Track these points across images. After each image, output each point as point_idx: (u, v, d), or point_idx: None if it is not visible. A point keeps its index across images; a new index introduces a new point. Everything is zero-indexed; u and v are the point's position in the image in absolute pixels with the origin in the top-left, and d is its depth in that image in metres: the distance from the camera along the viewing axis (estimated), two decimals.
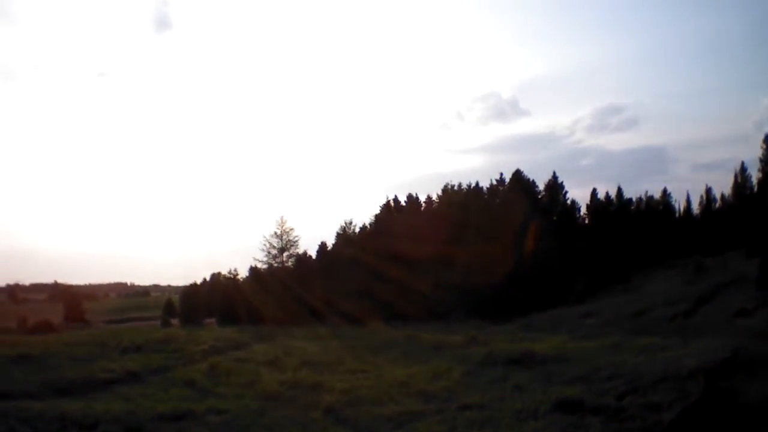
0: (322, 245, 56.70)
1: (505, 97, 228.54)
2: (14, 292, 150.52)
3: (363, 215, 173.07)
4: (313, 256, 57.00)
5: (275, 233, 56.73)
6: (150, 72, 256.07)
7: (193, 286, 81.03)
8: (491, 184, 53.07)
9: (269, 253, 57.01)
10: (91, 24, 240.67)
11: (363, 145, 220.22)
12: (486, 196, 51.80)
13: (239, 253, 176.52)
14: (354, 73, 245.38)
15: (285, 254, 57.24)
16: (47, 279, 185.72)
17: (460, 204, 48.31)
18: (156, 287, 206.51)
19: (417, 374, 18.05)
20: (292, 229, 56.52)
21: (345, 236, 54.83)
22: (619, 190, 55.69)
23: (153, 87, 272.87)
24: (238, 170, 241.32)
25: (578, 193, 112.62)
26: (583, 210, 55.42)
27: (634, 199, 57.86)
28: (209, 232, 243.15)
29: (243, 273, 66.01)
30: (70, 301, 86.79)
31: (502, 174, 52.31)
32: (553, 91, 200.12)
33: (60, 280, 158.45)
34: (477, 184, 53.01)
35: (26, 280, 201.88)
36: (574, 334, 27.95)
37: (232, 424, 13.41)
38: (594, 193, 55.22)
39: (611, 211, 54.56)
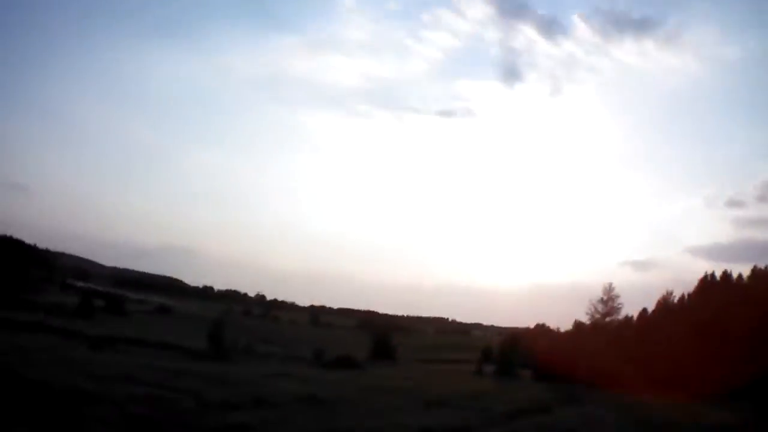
0: (642, 312, 68.96)
1: None
2: (316, 314, 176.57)
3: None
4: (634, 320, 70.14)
5: (601, 299, 69.39)
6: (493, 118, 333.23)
7: (514, 334, 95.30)
8: None
9: (593, 317, 70.09)
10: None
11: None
12: None
13: (563, 297, 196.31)
14: None
15: (607, 319, 69.78)
16: (359, 305, 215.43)
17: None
18: (478, 326, 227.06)
19: None
20: (617, 296, 69.24)
21: (665, 305, 65.58)
22: None
23: (495, 133, 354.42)
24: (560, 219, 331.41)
25: None
26: None
27: None
28: (537, 272, 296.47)
29: (562, 324, 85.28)
30: (379, 334, 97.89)
31: None
32: None
33: (373, 308, 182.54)
34: None
35: (334, 303, 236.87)
36: None
37: None
38: None
39: None
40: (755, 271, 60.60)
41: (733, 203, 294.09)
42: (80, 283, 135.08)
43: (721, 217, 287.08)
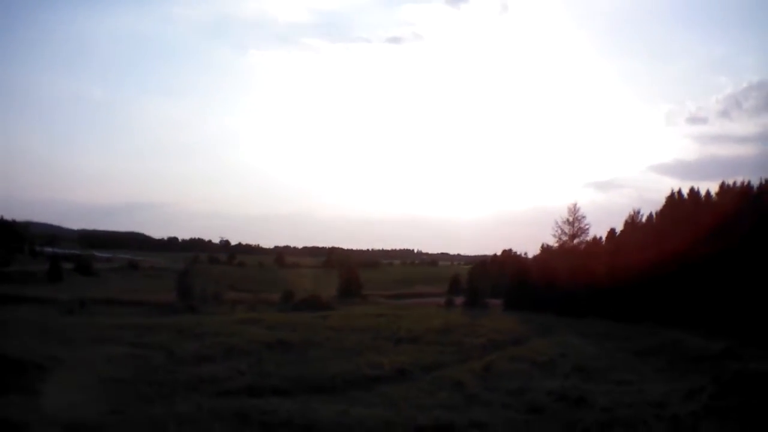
0: (611, 232, 66.45)
1: None
2: (282, 256, 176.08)
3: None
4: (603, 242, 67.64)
5: (567, 220, 68.62)
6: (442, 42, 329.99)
7: (482, 263, 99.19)
8: (760, 183, 55.45)
9: (560, 239, 69.40)
10: None
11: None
12: (755, 197, 54.04)
13: (528, 223, 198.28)
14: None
15: (575, 241, 69.03)
16: (324, 243, 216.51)
17: (736, 204, 53.41)
18: (444, 256, 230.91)
19: (673, 393, 21.65)
20: (583, 217, 68.90)
21: (633, 225, 63.65)
22: None
23: (445, 56, 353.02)
24: (519, 142, 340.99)
25: None
26: None
27: None
28: (499, 199, 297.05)
29: (529, 249, 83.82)
30: (346, 271, 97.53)
31: None
32: None
33: (338, 245, 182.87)
34: (749, 183, 56.83)
35: (298, 243, 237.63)
36: None
37: None
38: None
39: None
40: (723, 188, 59.25)
41: (695, 119, 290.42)
42: (49, 249, 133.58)
43: (684, 134, 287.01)
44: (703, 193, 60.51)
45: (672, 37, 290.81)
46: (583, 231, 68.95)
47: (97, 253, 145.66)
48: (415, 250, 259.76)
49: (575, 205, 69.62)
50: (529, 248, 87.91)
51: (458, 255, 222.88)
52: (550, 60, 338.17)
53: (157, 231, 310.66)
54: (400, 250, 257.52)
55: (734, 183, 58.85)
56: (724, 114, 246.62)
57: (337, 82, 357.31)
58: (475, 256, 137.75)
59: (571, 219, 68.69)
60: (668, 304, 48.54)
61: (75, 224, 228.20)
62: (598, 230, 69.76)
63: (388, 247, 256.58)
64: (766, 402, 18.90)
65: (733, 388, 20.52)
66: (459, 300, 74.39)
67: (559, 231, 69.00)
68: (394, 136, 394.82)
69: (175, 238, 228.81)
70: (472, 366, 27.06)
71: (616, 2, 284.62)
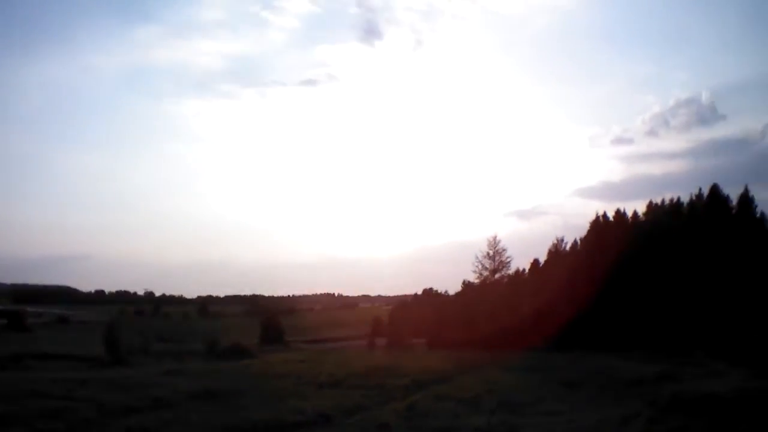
0: (534, 263, 66.46)
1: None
2: (204, 306, 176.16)
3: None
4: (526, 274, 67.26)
5: (488, 254, 67.28)
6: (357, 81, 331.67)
7: (403, 303, 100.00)
8: (690, 199, 57.31)
9: (481, 274, 68.23)
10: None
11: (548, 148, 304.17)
12: (686, 214, 55.87)
13: (448, 258, 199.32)
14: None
15: (497, 275, 67.70)
16: (245, 290, 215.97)
17: (665, 224, 54.86)
18: (365, 298, 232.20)
19: (606, 420, 21.65)
20: (504, 250, 67.33)
21: (557, 254, 63.68)
22: None
23: (360, 96, 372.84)
24: (438, 177, 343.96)
25: None
26: None
27: None
28: (419, 235, 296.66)
29: (451, 286, 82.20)
30: (267, 318, 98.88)
31: (701, 189, 56.48)
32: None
33: (259, 292, 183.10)
34: (678, 199, 58.39)
35: (220, 291, 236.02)
36: None
37: None
38: None
39: None
40: (651, 207, 59.18)
41: (621, 140, 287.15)
42: None
43: (609, 156, 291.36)
44: (630, 213, 60.38)
45: (594, 60, 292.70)
46: (505, 264, 67.78)
47: (29, 308, 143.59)
48: (336, 294, 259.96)
49: (495, 237, 68.36)
50: (451, 285, 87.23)
51: (379, 296, 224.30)
52: (466, 91, 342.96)
53: (86, 283, 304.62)
54: (321, 294, 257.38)
55: (662, 201, 59.56)
56: (652, 133, 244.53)
57: (253, 126, 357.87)
58: (395, 297, 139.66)
59: (491, 252, 67.49)
60: (597, 330, 48.54)
61: (5, 278, 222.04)
62: (523, 261, 69.92)
63: (308, 291, 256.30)
64: (706, 423, 19.40)
65: (671, 412, 21.00)
66: (381, 342, 74.76)
67: (480, 266, 67.88)
68: (311, 178, 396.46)
69: (103, 291, 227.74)
70: (396, 407, 27.87)
71: (533, 30, 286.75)
